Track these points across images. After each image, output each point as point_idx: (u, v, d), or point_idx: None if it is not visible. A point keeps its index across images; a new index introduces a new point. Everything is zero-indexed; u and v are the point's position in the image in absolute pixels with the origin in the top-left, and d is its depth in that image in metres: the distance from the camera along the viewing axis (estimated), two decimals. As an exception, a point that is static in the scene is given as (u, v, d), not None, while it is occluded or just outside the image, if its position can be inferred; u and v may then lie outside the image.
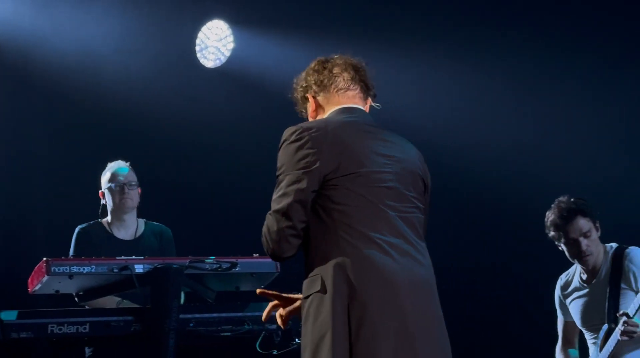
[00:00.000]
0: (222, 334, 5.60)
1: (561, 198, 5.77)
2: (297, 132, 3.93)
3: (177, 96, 8.23)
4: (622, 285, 5.62)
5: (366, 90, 4.27)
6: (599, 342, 5.64)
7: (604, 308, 5.65)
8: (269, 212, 3.92)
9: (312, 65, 4.32)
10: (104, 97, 7.98)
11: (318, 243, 3.87)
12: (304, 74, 4.30)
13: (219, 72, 8.55)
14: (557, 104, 8.16)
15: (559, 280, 5.98)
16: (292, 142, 3.92)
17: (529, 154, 8.13)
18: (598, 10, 7.99)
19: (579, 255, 5.70)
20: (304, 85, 4.26)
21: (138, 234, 6.44)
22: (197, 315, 5.54)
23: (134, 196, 6.40)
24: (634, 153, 7.90)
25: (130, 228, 6.45)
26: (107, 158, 6.61)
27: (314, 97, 4.21)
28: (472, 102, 8.37)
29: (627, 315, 5.43)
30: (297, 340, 5.94)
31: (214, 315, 5.60)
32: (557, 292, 5.97)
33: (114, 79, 8.01)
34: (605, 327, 5.62)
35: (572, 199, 5.73)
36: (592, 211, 5.71)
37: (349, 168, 3.87)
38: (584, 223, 5.67)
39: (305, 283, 3.91)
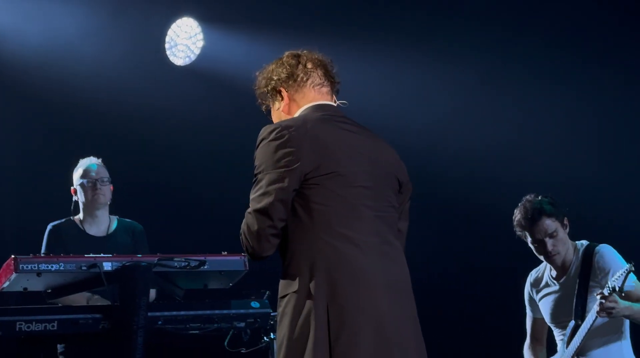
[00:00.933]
0: (191, 332, 5.60)
1: (528, 197, 5.77)
2: (276, 131, 3.89)
3: (147, 94, 8.21)
4: (591, 283, 5.62)
5: (334, 87, 4.25)
6: (566, 338, 5.66)
7: (572, 305, 5.67)
8: (248, 211, 3.88)
9: (284, 58, 4.24)
10: (73, 94, 7.94)
11: (296, 242, 3.85)
12: (272, 66, 4.23)
13: (188, 70, 8.54)
14: (534, 103, 8.17)
15: (529, 276, 5.98)
16: (271, 140, 3.88)
17: (506, 154, 8.14)
18: (574, 11, 8.01)
19: (546, 255, 5.72)
20: (274, 78, 4.18)
21: (110, 230, 6.46)
22: (166, 313, 5.53)
23: (106, 192, 6.41)
24: (607, 152, 7.93)
25: (102, 224, 6.46)
26: (77, 156, 6.61)
27: (287, 91, 4.16)
28: (448, 102, 8.38)
29: (613, 289, 5.37)
30: (265, 338, 5.95)
31: (183, 312, 5.59)
32: (527, 288, 5.97)
33: (83, 76, 7.99)
34: (572, 323, 5.64)
35: (538, 199, 5.73)
36: (558, 210, 5.70)
37: (329, 167, 3.86)
38: (549, 224, 5.67)
39: (282, 282, 3.89)
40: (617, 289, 5.31)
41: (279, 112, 4.18)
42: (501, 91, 8.24)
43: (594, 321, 5.47)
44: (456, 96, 8.34)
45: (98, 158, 6.53)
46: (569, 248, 5.74)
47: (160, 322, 5.50)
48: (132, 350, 5.24)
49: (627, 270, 5.31)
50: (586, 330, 5.52)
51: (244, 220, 3.89)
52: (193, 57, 8.53)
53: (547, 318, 5.86)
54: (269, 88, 4.20)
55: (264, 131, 3.94)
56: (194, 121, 8.31)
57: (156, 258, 5.50)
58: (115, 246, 6.20)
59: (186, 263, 5.53)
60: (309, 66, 4.22)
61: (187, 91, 8.43)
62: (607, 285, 5.38)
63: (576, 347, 5.57)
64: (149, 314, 5.38)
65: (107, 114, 8.03)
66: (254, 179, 3.91)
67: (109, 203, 6.47)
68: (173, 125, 8.27)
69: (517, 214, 5.76)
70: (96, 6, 7.97)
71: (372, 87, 8.26)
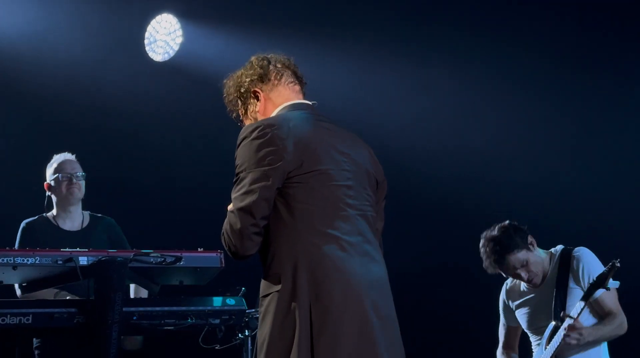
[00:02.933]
0: (165, 328, 5.59)
1: (487, 234, 5.74)
2: (258, 129, 3.88)
3: (125, 89, 8.21)
4: (571, 284, 5.62)
5: (303, 87, 4.28)
6: (544, 340, 5.65)
7: (551, 308, 5.66)
8: (231, 210, 3.87)
9: (254, 61, 4.24)
10: (49, 89, 7.94)
11: (278, 240, 3.84)
12: (241, 71, 4.23)
13: (167, 66, 8.54)
14: (512, 108, 8.18)
15: (505, 284, 5.99)
16: (254, 139, 3.88)
17: (485, 155, 8.15)
18: (553, 19, 8.03)
19: (527, 284, 5.76)
20: (247, 80, 4.18)
21: (84, 225, 6.47)
22: (141, 308, 5.52)
23: (80, 187, 6.42)
24: (584, 157, 7.95)
25: (76, 219, 6.47)
26: (52, 151, 6.60)
27: (262, 91, 4.16)
28: (426, 102, 8.39)
29: (569, 316, 5.43)
30: (239, 335, 5.96)
31: (157, 308, 5.58)
32: (502, 297, 5.98)
33: (61, 71, 7.98)
34: (551, 324, 5.63)
35: (495, 235, 5.70)
36: (519, 237, 5.68)
37: (312, 165, 3.86)
38: (516, 259, 5.67)
39: (264, 281, 3.88)
40: (600, 286, 5.34)
41: (255, 114, 4.18)
42: (480, 93, 8.25)
43: (559, 343, 5.50)
44: (433, 97, 8.35)
45: (73, 153, 6.54)
46: (544, 262, 5.74)
47: (135, 317, 5.49)
48: (106, 345, 5.23)
49: (612, 265, 5.32)
50: (556, 345, 5.52)
51: (226, 219, 3.87)
52: (172, 53, 8.54)
53: (524, 325, 5.88)
54: (242, 91, 4.19)
55: (245, 130, 3.93)
56: (172, 116, 8.31)
57: (132, 254, 5.50)
58: (90, 240, 6.21)
59: (162, 259, 5.52)
60: (279, 65, 4.23)
61: (166, 86, 8.44)
62: (584, 289, 5.44)
63: (554, 348, 5.55)
64: (124, 309, 5.36)
65: (85, 109, 8.03)
66: (236, 178, 3.90)
67: (82, 198, 6.49)
68: (151, 120, 8.27)
69: (483, 257, 5.76)
70: (76, 1, 7.95)
71: (348, 86, 8.28)
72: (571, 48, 7.97)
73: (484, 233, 5.77)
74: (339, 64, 8.23)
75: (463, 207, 8.00)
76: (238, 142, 3.95)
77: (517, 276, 5.73)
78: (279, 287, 3.78)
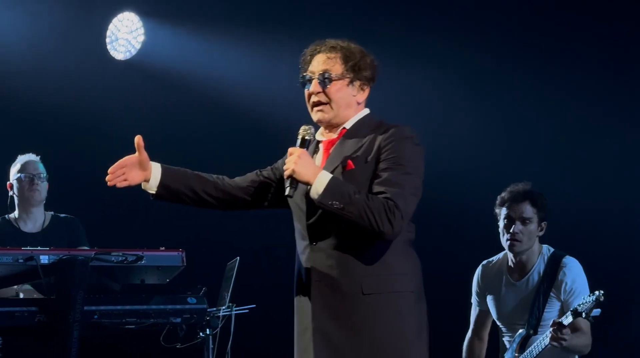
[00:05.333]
0: (127, 327, 5.60)
1: (523, 183, 5.73)
2: (418, 137, 3.95)
3: (87, 88, 8.19)
4: (552, 294, 5.57)
5: None
6: (515, 345, 5.62)
7: (526, 310, 5.63)
8: (412, 193, 3.84)
9: (366, 52, 4.07)
10: (10, 88, 7.90)
11: (403, 239, 3.90)
12: (365, 55, 4.04)
13: (129, 64, 8.52)
14: (502, 103, 8.17)
15: (480, 266, 5.91)
16: (419, 145, 3.93)
17: (468, 153, 8.12)
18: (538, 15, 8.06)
19: (509, 237, 5.63)
20: (364, 67, 4.01)
21: (45, 226, 6.47)
22: (102, 307, 5.52)
23: (42, 188, 6.44)
24: (574, 156, 7.94)
25: (37, 221, 6.49)
26: (14, 151, 6.60)
27: (367, 91, 4.07)
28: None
29: (561, 324, 5.34)
30: (201, 334, 5.98)
31: (119, 307, 5.58)
32: (477, 278, 5.89)
33: (21, 70, 7.94)
34: (522, 331, 5.60)
35: (530, 187, 5.69)
36: (544, 208, 5.65)
37: None
38: (528, 210, 5.61)
39: (386, 275, 3.88)
40: (582, 315, 5.27)
41: (349, 99, 4.00)
42: (477, 91, 8.22)
43: (545, 346, 5.45)
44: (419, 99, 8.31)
45: (37, 155, 6.55)
46: (533, 249, 5.67)
47: (96, 316, 5.49)
48: (68, 344, 5.23)
49: (597, 298, 5.24)
50: (541, 348, 5.47)
51: (401, 198, 3.78)
52: (134, 52, 8.52)
53: (494, 315, 5.80)
54: (366, 74, 4.02)
55: (411, 131, 3.93)
56: (134, 115, 8.29)
57: (93, 252, 5.49)
58: (50, 241, 6.20)
59: (123, 258, 5.53)
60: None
61: (128, 85, 8.42)
62: (571, 309, 5.34)
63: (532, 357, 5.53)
64: (85, 308, 5.36)
65: (46, 108, 8.00)
66: (404, 166, 3.85)
67: (44, 200, 6.50)
68: (113, 119, 8.25)
69: (505, 192, 5.72)
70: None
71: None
72: (559, 49, 7.97)
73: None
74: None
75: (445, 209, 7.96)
76: (405, 135, 3.90)
77: (510, 224, 5.62)
78: (412, 288, 3.89)
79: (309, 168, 3.81)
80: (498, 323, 5.82)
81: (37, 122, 7.93)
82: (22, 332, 5.43)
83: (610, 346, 6.28)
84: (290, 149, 3.88)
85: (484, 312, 5.89)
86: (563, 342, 5.33)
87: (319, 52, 4.02)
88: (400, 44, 8.08)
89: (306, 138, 3.96)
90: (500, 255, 5.86)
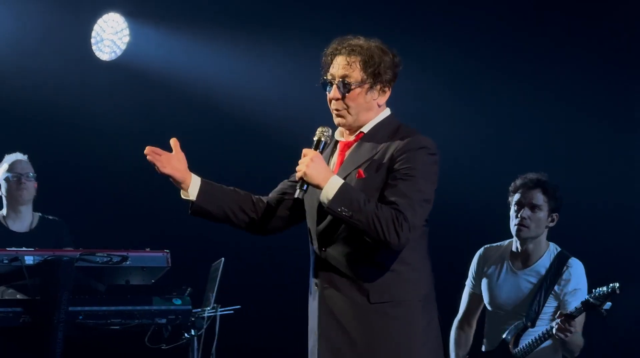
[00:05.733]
0: (112, 327, 5.60)
1: (540, 173, 5.72)
2: (435, 147, 3.90)
3: (72, 89, 8.16)
4: (556, 289, 5.55)
5: None
6: (509, 336, 5.61)
7: (526, 302, 5.60)
8: (419, 205, 3.81)
9: (387, 51, 3.99)
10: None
11: (413, 248, 3.87)
12: (385, 55, 3.96)
13: (114, 65, 8.51)
14: (493, 103, 8.16)
15: (483, 248, 5.87)
16: (433, 154, 3.88)
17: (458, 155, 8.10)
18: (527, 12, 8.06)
19: (517, 223, 5.62)
20: (384, 70, 3.94)
21: (33, 226, 6.47)
22: (87, 308, 5.53)
23: (30, 188, 6.45)
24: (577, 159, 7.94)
25: (25, 220, 6.49)
26: (1, 151, 6.59)
27: (388, 90, 4.00)
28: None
29: (570, 316, 5.35)
30: (186, 335, 5.98)
31: (104, 308, 5.59)
32: (476, 260, 5.85)
33: (6, 70, 7.92)
34: (519, 323, 5.58)
35: (544, 175, 5.68)
36: (555, 198, 5.64)
37: None
38: (539, 197, 5.61)
39: (395, 285, 3.86)
40: (595, 307, 5.30)
41: (371, 101, 3.95)
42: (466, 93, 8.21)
43: (541, 338, 5.48)
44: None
45: (24, 154, 6.56)
46: (540, 240, 5.66)
47: (81, 317, 5.50)
48: (52, 345, 5.23)
49: (612, 289, 5.28)
50: (538, 341, 5.49)
51: (410, 209, 3.76)
52: (119, 53, 8.51)
53: (486, 299, 5.75)
54: (388, 77, 3.96)
55: (427, 141, 3.88)
56: (119, 115, 8.28)
57: (78, 253, 5.50)
58: (38, 242, 6.19)
59: (108, 259, 5.54)
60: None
61: (113, 86, 8.40)
62: (581, 300, 5.36)
63: (525, 352, 5.54)
64: (70, 309, 5.37)
65: (31, 109, 7.97)
66: (416, 177, 3.82)
67: (32, 199, 6.50)
68: (98, 119, 8.24)
69: (519, 178, 5.72)
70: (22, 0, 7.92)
71: (296, 88, 8.29)
72: (552, 49, 7.97)
73: None
74: (290, 65, 8.23)
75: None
76: (416, 146, 3.86)
77: (519, 209, 5.62)
78: (425, 294, 3.90)
79: (321, 172, 3.79)
80: (489, 307, 5.77)
81: (23, 122, 7.91)
82: (6, 332, 5.43)
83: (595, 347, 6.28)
84: (304, 151, 3.84)
85: (476, 296, 5.83)
86: (569, 334, 5.33)
87: (339, 53, 3.95)
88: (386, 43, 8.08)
89: (322, 139, 3.94)
90: (505, 241, 5.84)
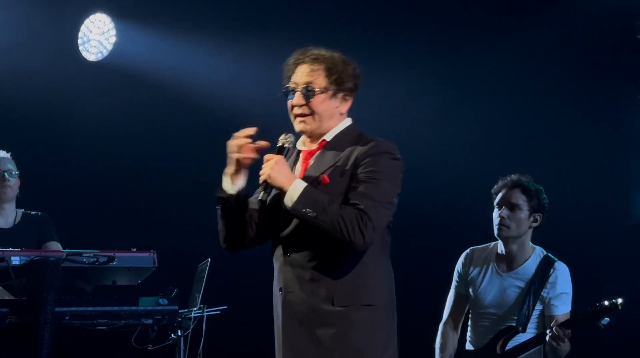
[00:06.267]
0: (98, 328, 5.60)
1: (525, 174, 5.71)
2: (398, 152, 3.96)
3: (59, 88, 8.17)
4: (544, 293, 5.54)
5: None
6: (497, 338, 5.59)
7: (515, 306, 5.59)
8: (383, 206, 3.87)
9: (348, 61, 4.07)
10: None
11: (376, 252, 3.92)
12: (347, 65, 4.04)
13: (101, 66, 8.52)
14: (481, 106, 8.18)
15: (469, 250, 5.86)
16: (398, 159, 3.95)
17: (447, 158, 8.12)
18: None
19: (497, 223, 5.62)
20: (347, 78, 4.02)
21: (16, 222, 6.48)
22: (73, 309, 5.51)
23: (13, 185, 6.46)
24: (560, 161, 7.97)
25: (9, 217, 6.51)
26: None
27: (349, 102, 4.07)
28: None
29: (564, 325, 5.34)
30: (172, 335, 5.98)
31: (90, 308, 5.57)
32: (461, 261, 5.83)
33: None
34: (507, 326, 5.56)
35: (526, 177, 5.68)
36: (536, 198, 5.62)
37: None
38: (518, 196, 5.61)
39: (357, 290, 3.89)
40: (592, 320, 5.32)
41: (333, 108, 4.03)
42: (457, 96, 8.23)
43: (530, 344, 5.48)
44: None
45: (7, 152, 6.55)
46: (523, 242, 5.65)
47: (67, 317, 5.48)
48: (38, 345, 5.22)
49: (614, 305, 5.27)
50: (529, 345, 5.48)
51: (373, 210, 3.82)
52: (105, 53, 8.51)
53: (472, 301, 5.74)
54: (349, 85, 4.04)
55: (389, 146, 3.96)
56: (106, 116, 8.29)
57: (65, 254, 5.49)
58: (22, 237, 6.23)
59: (95, 259, 5.53)
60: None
61: (99, 86, 8.41)
62: (588, 309, 5.36)
63: (511, 355, 5.53)
64: (57, 309, 5.36)
65: (18, 108, 7.98)
66: (379, 180, 3.88)
67: (15, 196, 6.51)
68: (84, 119, 8.24)
69: (500, 180, 5.73)
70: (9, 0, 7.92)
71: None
72: (539, 51, 8.00)
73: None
74: (277, 65, 8.23)
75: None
76: (380, 150, 3.93)
77: (498, 209, 5.64)
78: (385, 300, 3.95)
79: (285, 174, 3.85)
80: (475, 309, 5.76)
81: (8, 121, 7.91)
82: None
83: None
84: (266, 156, 3.90)
85: (462, 297, 5.82)
86: (562, 343, 5.34)
87: (302, 62, 4.03)
88: (371, 47, 8.11)
89: (285, 145, 3.99)
90: (492, 243, 5.83)
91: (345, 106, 4.05)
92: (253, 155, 3.96)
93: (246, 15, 8.44)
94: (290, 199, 3.81)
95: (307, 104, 3.98)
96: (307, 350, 3.86)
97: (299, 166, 4.07)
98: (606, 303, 5.31)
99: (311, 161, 4.02)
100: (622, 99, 7.99)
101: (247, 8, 8.42)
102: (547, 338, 5.38)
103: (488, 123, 8.11)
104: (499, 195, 5.70)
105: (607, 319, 5.35)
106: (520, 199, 5.63)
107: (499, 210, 5.66)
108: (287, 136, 4.01)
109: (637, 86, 7.79)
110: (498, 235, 5.68)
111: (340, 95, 4.01)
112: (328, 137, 4.03)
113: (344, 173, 3.90)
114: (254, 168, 4.04)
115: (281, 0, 8.45)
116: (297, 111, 4.01)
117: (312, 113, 3.99)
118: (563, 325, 5.36)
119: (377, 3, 8.35)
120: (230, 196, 3.99)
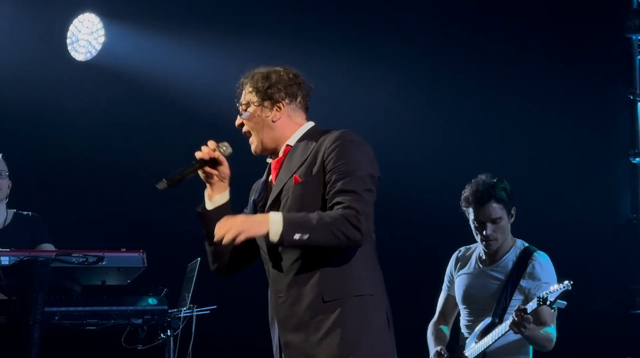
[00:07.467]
0: (88, 328, 5.60)
1: (483, 176, 5.66)
2: (362, 138, 3.94)
3: (47, 88, 8.16)
4: (522, 283, 5.52)
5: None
6: (477, 332, 5.60)
7: (494, 299, 5.59)
8: (365, 194, 3.83)
9: (281, 72, 4.09)
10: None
11: (365, 245, 3.88)
12: (273, 75, 4.07)
13: (89, 65, 8.51)
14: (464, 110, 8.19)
15: (457, 251, 5.87)
16: (366, 145, 3.93)
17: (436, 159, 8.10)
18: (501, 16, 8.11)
19: (483, 238, 5.60)
20: (271, 88, 4.05)
21: (7, 223, 6.47)
22: (63, 309, 5.52)
23: (3, 185, 6.44)
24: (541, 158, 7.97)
25: (0, 217, 6.48)
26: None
27: (284, 106, 4.05)
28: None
29: (524, 310, 5.29)
30: (162, 335, 5.98)
31: (80, 308, 5.59)
32: (452, 263, 5.84)
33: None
34: (489, 319, 5.56)
35: (493, 181, 5.62)
36: (509, 197, 5.60)
37: None
38: (495, 209, 5.57)
39: (345, 282, 3.87)
40: (547, 302, 5.25)
41: (265, 119, 4.05)
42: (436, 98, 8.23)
43: (504, 333, 5.42)
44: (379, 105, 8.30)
45: (-1, 153, 6.57)
46: (507, 239, 5.64)
47: (57, 317, 5.49)
48: (28, 345, 5.22)
49: (565, 287, 5.23)
50: (499, 335, 5.46)
51: (357, 202, 3.80)
52: (94, 53, 8.51)
53: (458, 298, 5.74)
54: (261, 95, 4.06)
55: (353, 135, 3.93)
56: (95, 115, 8.28)
57: (54, 254, 5.49)
58: (12, 237, 6.22)
59: (84, 259, 5.54)
60: (303, 86, 4.13)
61: (88, 86, 8.40)
62: (537, 296, 5.32)
63: (486, 346, 5.52)
64: (46, 309, 5.36)
65: (6, 108, 7.96)
66: (352, 170, 3.86)
67: (6, 197, 6.50)
68: (74, 119, 8.23)
69: (467, 190, 5.66)
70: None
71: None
72: (517, 51, 8.00)
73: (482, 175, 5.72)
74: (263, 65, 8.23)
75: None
76: (346, 140, 3.90)
77: (482, 227, 5.59)
78: (370, 292, 3.90)
79: (255, 220, 3.81)
80: (461, 307, 5.78)
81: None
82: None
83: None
84: (220, 223, 3.81)
85: (452, 297, 5.84)
86: (523, 329, 5.31)
87: (244, 83, 4.14)
88: (356, 46, 8.13)
89: (216, 157, 4.05)
90: (476, 244, 5.83)
91: (279, 114, 4.06)
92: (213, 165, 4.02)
93: (234, 16, 8.44)
94: (275, 234, 3.75)
95: (243, 123, 4.10)
96: (308, 346, 3.86)
97: (270, 177, 4.08)
98: (556, 286, 5.27)
99: (280, 168, 4.03)
100: (611, 98, 8.00)
101: (235, 8, 8.43)
102: (509, 325, 5.36)
103: (476, 122, 8.12)
104: (474, 210, 5.63)
105: (562, 303, 5.32)
106: (499, 210, 5.59)
107: (481, 228, 5.61)
108: (221, 145, 4.06)
109: (626, 85, 7.79)
110: (488, 250, 5.66)
111: (267, 104, 4.04)
112: (291, 142, 4.05)
113: (314, 170, 3.90)
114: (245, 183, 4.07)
115: (268, 1, 8.46)
116: (243, 131, 4.12)
117: (250, 129, 4.08)
118: (521, 310, 5.32)
119: (361, 2, 8.36)
120: (205, 210, 4.04)
